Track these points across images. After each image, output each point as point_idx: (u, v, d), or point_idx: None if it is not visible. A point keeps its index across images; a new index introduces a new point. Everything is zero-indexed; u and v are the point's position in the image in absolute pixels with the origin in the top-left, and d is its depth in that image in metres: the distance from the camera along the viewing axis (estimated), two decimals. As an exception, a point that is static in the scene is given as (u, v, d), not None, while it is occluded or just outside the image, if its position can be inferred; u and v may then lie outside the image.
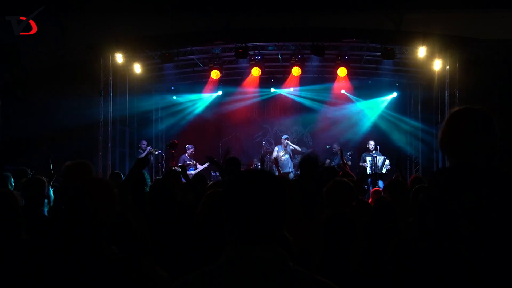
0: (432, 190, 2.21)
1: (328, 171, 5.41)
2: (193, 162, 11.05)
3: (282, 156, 11.45)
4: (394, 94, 13.27)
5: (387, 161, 11.26)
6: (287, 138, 11.70)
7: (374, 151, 11.43)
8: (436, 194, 2.18)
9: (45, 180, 3.68)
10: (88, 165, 3.46)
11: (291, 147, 11.64)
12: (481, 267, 2.03)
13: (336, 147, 12.25)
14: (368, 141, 11.73)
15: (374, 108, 13.57)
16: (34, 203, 3.44)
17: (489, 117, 2.23)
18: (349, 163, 11.47)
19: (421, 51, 10.36)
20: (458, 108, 2.30)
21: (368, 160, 11.37)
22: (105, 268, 1.75)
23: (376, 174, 10.92)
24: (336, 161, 11.79)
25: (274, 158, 10.82)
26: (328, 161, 12.15)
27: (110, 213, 1.87)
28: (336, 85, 12.98)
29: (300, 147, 12.69)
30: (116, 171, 7.63)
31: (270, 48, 11.62)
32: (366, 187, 10.38)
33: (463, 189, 2.11)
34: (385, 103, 13.41)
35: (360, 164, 11.61)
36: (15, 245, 2.24)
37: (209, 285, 1.34)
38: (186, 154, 11.22)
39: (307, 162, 4.60)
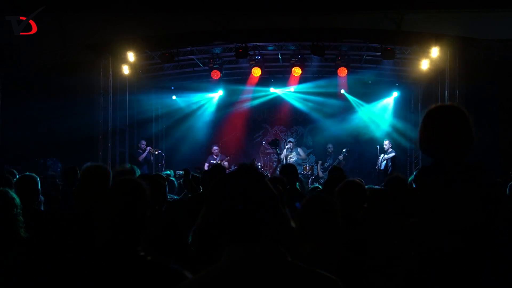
0: (418, 189, 2.25)
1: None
2: (216, 162, 11.56)
3: (291, 158, 11.60)
4: (395, 94, 13.24)
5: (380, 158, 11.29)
6: (290, 141, 11.93)
7: (389, 149, 11.32)
8: (421, 193, 2.22)
9: (37, 177, 3.67)
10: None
11: (297, 151, 11.84)
12: (470, 259, 2.07)
13: (330, 148, 12.27)
14: (383, 140, 11.57)
15: (373, 108, 13.56)
16: (27, 200, 3.38)
17: (462, 112, 2.26)
18: (342, 160, 11.49)
19: (421, 51, 10.36)
20: (432, 107, 2.34)
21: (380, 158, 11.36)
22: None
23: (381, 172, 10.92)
24: (329, 162, 11.79)
25: (278, 159, 10.98)
26: (320, 162, 12.23)
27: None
28: (335, 85, 12.99)
29: (300, 147, 12.74)
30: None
31: (270, 48, 11.61)
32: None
33: (445, 186, 2.16)
34: (390, 105, 13.37)
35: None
36: (15, 244, 2.24)
37: (213, 284, 1.35)
38: (213, 155, 11.79)
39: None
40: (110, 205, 1.74)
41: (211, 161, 11.70)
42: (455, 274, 2.09)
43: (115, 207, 1.73)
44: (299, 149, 12.18)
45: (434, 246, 2.16)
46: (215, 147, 11.97)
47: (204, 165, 11.55)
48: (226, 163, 11.55)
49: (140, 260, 1.69)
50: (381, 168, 11.12)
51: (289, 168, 5.07)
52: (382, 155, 11.31)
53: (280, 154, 11.42)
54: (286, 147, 11.90)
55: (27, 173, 3.90)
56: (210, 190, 1.45)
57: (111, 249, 1.70)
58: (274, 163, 12.51)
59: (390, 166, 11.12)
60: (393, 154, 11.30)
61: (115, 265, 1.66)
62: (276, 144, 11.15)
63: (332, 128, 13.49)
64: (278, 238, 1.40)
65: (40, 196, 3.94)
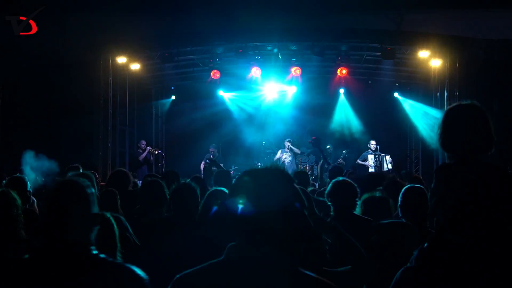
0: (436, 186, 2.27)
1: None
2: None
3: (285, 158, 11.60)
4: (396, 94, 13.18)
5: (388, 157, 11.29)
6: (289, 141, 11.89)
7: (376, 151, 11.39)
8: (439, 190, 2.23)
9: (26, 178, 3.70)
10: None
11: (293, 150, 11.83)
12: (485, 258, 2.07)
13: (330, 149, 12.28)
14: (370, 141, 11.66)
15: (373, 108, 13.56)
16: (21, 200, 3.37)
17: (481, 111, 2.29)
18: (341, 161, 11.51)
19: (421, 51, 10.37)
20: (452, 105, 2.39)
21: (371, 158, 11.32)
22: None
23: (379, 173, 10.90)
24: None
25: (324, 156, 11.02)
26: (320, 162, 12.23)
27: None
28: (335, 85, 12.99)
29: (300, 147, 12.74)
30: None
31: (269, 48, 11.61)
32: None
33: (463, 185, 2.17)
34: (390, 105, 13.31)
35: (358, 161, 11.57)
36: (15, 244, 2.24)
37: (209, 280, 1.33)
38: (210, 155, 11.80)
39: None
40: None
41: (207, 160, 11.70)
42: (468, 269, 2.09)
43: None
44: (294, 148, 12.17)
45: (449, 240, 2.16)
46: (211, 147, 11.95)
47: (201, 163, 11.58)
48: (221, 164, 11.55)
49: (93, 259, 1.65)
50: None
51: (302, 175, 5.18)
52: (373, 155, 11.33)
53: (325, 152, 11.36)
54: (284, 147, 11.91)
55: (18, 174, 3.95)
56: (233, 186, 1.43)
57: (62, 248, 1.64)
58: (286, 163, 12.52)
59: (392, 170, 11.13)
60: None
61: (67, 264, 1.62)
62: (319, 143, 11.08)
63: (332, 128, 13.49)
64: (293, 246, 1.36)
65: (32, 197, 3.98)
